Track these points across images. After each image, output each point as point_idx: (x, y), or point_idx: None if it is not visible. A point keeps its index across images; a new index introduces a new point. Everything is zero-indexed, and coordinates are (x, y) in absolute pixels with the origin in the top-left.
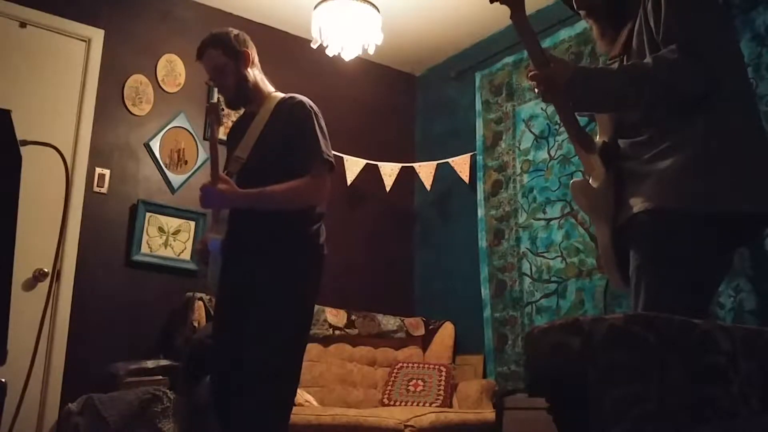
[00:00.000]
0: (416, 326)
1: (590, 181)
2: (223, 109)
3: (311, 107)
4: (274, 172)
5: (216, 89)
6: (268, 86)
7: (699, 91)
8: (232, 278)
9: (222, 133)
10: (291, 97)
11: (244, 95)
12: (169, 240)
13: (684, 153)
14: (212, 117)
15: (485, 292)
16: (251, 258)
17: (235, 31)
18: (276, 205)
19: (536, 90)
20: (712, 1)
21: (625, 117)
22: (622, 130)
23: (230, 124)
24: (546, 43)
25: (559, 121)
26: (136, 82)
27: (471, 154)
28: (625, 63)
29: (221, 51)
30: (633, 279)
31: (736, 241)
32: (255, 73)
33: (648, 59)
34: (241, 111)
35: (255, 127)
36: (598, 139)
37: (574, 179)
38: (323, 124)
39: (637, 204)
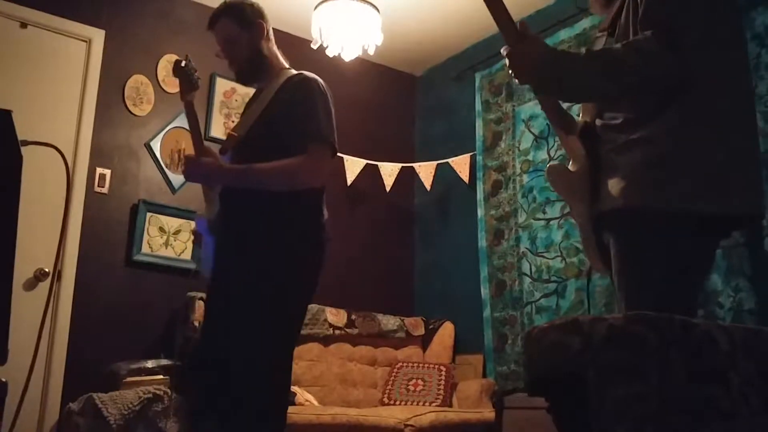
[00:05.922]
0: (416, 326)
1: (570, 164)
2: (195, 71)
3: (320, 86)
4: (271, 150)
5: (229, 63)
6: (281, 62)
7: (672, 84)
8: (222, 263)
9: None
10: (300, 74)
11: (257, 69)
12: (169, 240)
13: (655, 148)
14: (180, 78)
15: (485, 292)
16: (239, 243)
17: (250, 1)
18: (263, 184)
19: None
20: None
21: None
22: (602, 110)
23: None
24: None
25: None
26: (137, 82)
27: (471, 154)
28: (612, 38)
29: (234, 21)
30: (615, 283)
31: (716, 236)
32: (269, 47)
33: (619, 45)
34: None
35: (259, 104)
36: (580, 118)
37: (551, 164)
38: (331, 107)
39: (609, 199)
